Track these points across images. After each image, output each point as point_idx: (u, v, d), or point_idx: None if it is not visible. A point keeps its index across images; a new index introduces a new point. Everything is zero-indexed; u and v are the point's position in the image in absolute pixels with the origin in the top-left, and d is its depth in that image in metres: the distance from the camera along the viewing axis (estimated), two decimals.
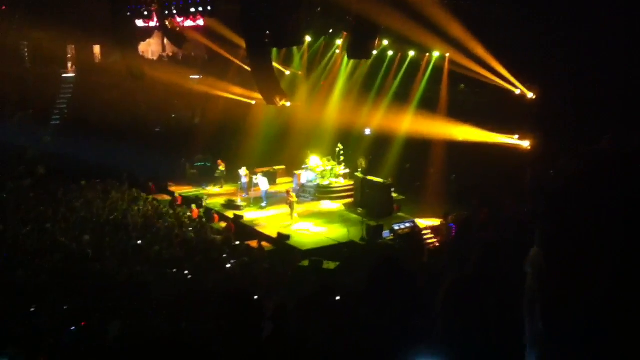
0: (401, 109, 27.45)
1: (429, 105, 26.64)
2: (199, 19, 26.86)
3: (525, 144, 23.65)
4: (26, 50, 34.31)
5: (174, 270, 17.37)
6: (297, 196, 26.28)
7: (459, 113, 24.67)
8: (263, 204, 26.68)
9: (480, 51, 23.55)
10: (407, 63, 28.18)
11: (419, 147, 25.83)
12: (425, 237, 22.07)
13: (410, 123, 26.04)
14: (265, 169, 28.79)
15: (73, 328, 12.17)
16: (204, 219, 24.48)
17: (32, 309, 13.65)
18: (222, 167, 29.24)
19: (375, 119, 28.26)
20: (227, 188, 29.23)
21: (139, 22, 28.36)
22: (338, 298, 13.66)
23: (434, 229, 22.52)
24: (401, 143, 26.59)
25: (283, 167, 30.69)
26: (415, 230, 22.25)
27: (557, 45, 21.10)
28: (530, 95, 23.86)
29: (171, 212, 24.55)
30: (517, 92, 23.97)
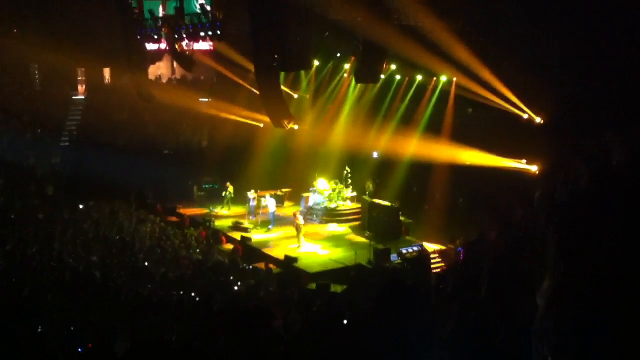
0: (409, 132, 27.54)
1: (436, 129, 26.71)
2: (208, 43, 27.16)
3: (534, 168, 23.62)
4: (37, 72, 34.68)
5: (180, 292, 17.33)
6: (305, 219, 26.28)
7: (467, 137, 24.69)
8: (270, 227, 26.68)
9: (488, 76, 23.66)
10: (414, 87, 28.33)
11: (426, 170, 25.85)
12: (433, 261, 21.96)
13: (418, 147, 26.09)
14: (273, 192, 28.84)
15: (80, 350, 12.14)
16: (211, 241, 24.48)
17: (39, 329, 13.65)
18: (231, 189, 29.35)
19: (383, 143, 28.34)
20: (235, 210, 29.29)
21: (149, 46, 28.65)
22: (345, 322, 13.61)
23: (441, 253, 22.41)
24: (408, 166, 26.62)
25: (290, 189, 30.74)
26: (423, 254, 22.13)
27: (565, 70, 21.17)
28: (538, 120, 23.89)
29: (179, 233, 24.55)
30: (525, 117, 24.01)
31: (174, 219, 27.76)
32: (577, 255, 2.24)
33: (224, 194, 29.58)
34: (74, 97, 34.43)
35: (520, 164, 24.02)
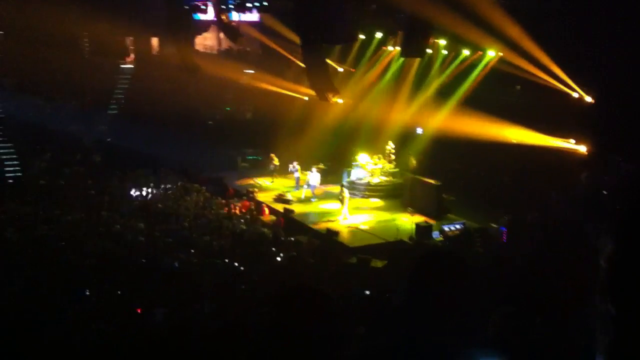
0: (453, 109, 27.18)
1: (482, 106, 26.26)
2: (255, 14, 27.16)
3: (582, 148, 23.11)
4: (86, 41, 35.21)
5: (225, 260, 17.62)
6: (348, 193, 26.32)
7: (514, 115, 24.23)
8: (313, 199, 26.83)
9: (537, 52, 23.09)
10: (460, 62, 27.85)
11: (471, 148, 25.47)
12: (476, 239, 21.78)
13: (462, 123, 25.71)
14: (317, 165, 28.91)
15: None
16: (254, 212, 24.75)
17: (87, 292, 14.09)
18: (276, 161, 29.54)
19: (427, 119, 28.05)
20: (278, 182, 29.51)
21: (196, 16, 28.78)
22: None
23: (484, 232, 22.22)
24: (453, 143, 26.28)
25: (333, 163, 30.75)
26: (466, 232, 21.99)
27: (617, 48, 20.54)
28: (588, 99, 23.30)
29: (222, 203, 24.87)
30: (575, 95, 23.43)
31: (218, 189, 28.08)
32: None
33: (271, 166, 29.77)
34: (121, 66, 34.88)
35: (568, 144, 23.52)
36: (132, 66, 35.06)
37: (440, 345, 3.14)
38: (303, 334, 2.87)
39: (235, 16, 28.54)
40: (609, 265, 2.08)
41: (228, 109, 35.20)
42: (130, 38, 35.63)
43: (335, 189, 26.37)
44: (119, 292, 14.20)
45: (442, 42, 27.09)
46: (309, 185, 27.32)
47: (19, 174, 27.06)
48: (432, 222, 22.93)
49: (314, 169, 27.57)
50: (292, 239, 21.38)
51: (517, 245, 17.34)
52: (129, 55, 35.90)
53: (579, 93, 23.30)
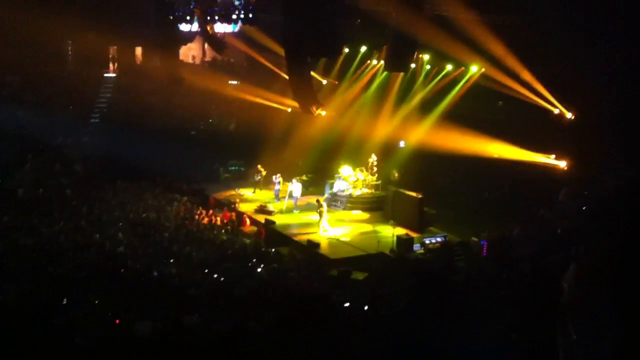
0: (436, 123, 27.39)
1: (464, 121, 26.50)
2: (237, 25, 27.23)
3: (562, 164, 23.38)
4: (70, 50, 35.05)
5: (205, 271, 17.55)
6: (329, 205, 26.36)
7: (495, 130, 24.49)
8: (295, 211, 26.83)
9: (519, 69, 23.41)
10: (443, 77, 28.12)
11: (453, 162, 25.69)
12: (456, 253, 21.90)
13: (445, 138, 25.91)
14: (298, 177, 28.93)
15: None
16: (235, 223, 24.68)
17: (64, 302, 13.94)
18: (263, 172, 29.50)
19: (410, 132, 28.22)
20: (260, 193, 29.48)
21: (181, 27, 28.77)
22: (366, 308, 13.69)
23: (464, 246, 22.33)
24: (435, 157, 26.47)
25: (315, 175, 30.80)
26: (446, 246, 22.09)
27: (598, 66, 20.88)
28: (569, 115, 23.61)
29: (203, 214, 24.78)
30: (556, 111, 23.73)
31: (200, 200, 27.99)
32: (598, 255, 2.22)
33: (257, 177, 29.72)
34: (105, 75, 34.75)
35: (549, 159, 23.79)
36: (114, 75, 34.90)
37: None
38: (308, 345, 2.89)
39: (219, 27, 28.56)
40: (569, 286, 2.14)
41: (210, 120, 35.15)
42: (114, 48, 35.48)
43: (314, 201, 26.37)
44: (97, 303, 14.07)
45: (426, 57, 27.37)
46: (291, 197, 27.31)
47: None
48: (413, 235, 23.01)
49: (294, 181, 27.58)
50: (273, 250, 21.36)
51: (500, 260, 17.46)
52: (113, 65, 35.77)
53: (559, 109, 23.62)
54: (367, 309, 12.55)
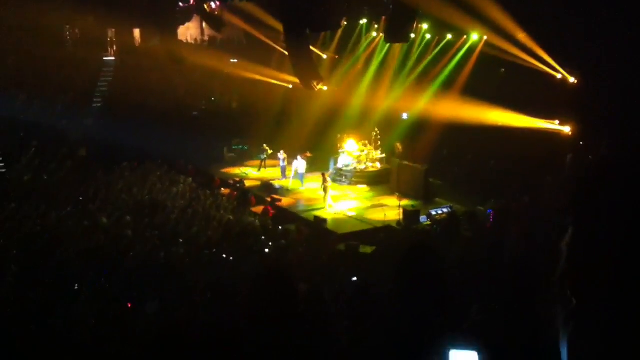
0: (439, 93, 27.23)
1: (466, 90, 26.33)
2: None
3: (566, 129, 23.23)
4: (68, 33, 34.88)
5: (213, 251, 17.62)
6: (334, 180, 26.37)
7: (498, 97, 24.31)
8: (301, 187, 26.85)
9: (521, 35, 23.16)
10: (444, 46, 27.87)
11: (457, 132, 25.55)
12: (462, 223, 21.89)
13: (448, 108, 25.76)
14: (302, 153, 28.91)
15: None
16: (241, 202, 24.71)
17: (76, 287, 14.05)
18: (269, 151, 29.49)
19: (412, 104, 28.07)
20: (264, 171, 29.49)
21: (178, 6, 28.55)
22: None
23: (471, 215, 22.32)
24: (439, 128, 26.35)
25: (320, 150, 30.77)
26: (453, 216, 22.07)
27: (600, 29, 20.61)
28: (572, 80, 23.39)
29: (209, 194, 24.82)
30: (559, 77, 23.52)
31: (205, 180, 28.04)
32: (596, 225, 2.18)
33: (263, 155, 29.71)
34: (104, 59, 34.62)
35: (553, 125, 23.63)
36: (114, 58, 34.76)
37: (422, 334, 3.17)
38: (276, 321, 2.88)
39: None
40: (568, 250, 2.10)
41: (213, 99, 35.05)
42: (112, 30, 35.29)
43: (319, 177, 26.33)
44: (107, 286, 14.17)
45: (426, 26, 27.11)
46: (297, 174, 27.29)
47: (3, 170, 26.85)
48: (416, 203, 22.99)
49: (299, 157, 27.55)
50: (281, 228, 21.40)
51: (504, 232, 17.43)
52: (112, 48, 35.61)
53: (562, 74, 23.40)
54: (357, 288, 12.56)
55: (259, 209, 24.61)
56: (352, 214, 23.80)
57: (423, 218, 22.23)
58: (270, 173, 29.17)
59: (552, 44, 22.76)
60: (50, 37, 32.82)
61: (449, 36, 27.05)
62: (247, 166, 30.24)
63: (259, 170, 29.66)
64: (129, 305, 12.99)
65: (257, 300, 3.02)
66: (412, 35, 25.51)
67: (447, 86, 27.43)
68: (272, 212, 23.84)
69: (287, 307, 3.17)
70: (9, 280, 14.17)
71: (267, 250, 18.33)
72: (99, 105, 32.45)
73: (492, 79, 26.04)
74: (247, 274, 14.92)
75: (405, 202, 23.44)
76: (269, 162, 29.76)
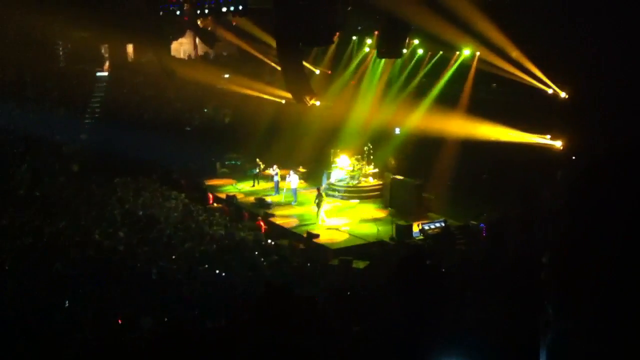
0: (431, 108, 27.34)
1: (459, 105, 26.46)
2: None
3: (558, 144, 23.36)
4: (61, 49, 34.91)
5: (205, 266, 17.57)
6: (327, 195, 26.37)
7: (491, 112, 24.44)
8: (293, 202, 26.83)
9: (512, 50, 23.34)
10: (436, 62, 28.02)
11: (449, 146, 25.66)
12: (456, 237, 21.94)
13: (441, 122, 25.86)
14: (295, 168, 28.94)
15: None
16: (234, 217, 24.68)
17: (67, 304, 13.96)
18: (262, 166, 29.55)
19: (405, 118, 28.16)
20: (257, 186, 29.50)
21: (171, 22, 28.67)
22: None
23: (464, 230, 22.38)
24: (431, 142, 26.44)
25: (312, 165, 30.83)
26: (446, 231, 22.13)
27: (590, 44, 20.81)
28: (562, 94, 23.56)
29: (202, 209, 24.78)
30: (550, 91, 23.69)
31: (198, 194, 28.00)
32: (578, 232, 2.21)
33: (256, 170, 29.77)
34: (97, 74, 34.64)
35: (545, 140, 23.76)
36: (107, 74, 34.78)
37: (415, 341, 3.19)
38: (282, 336, 2.89)
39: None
40: (550, 262, 2.12)
41: (205, 110, 35.07)
42: (105, 46, 35.34)
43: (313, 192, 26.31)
44: (101, 301, 14.09)
45: (418, 41, 27.27)
46: (290, 189, 27.28)
47: None
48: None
49: (291, 172, 27.55)
50: (273, 242, 21.38)
51: (499, 243, 17.49)
52: (105, 63, 35.63)
53: (553, 89, 23.56)
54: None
55: (252, 224, 24.58)
56: (345, 228, 23.79)
57: (416, 233, 22.25)
58: (263, 188, 29.16)
59: (543, 59, 22.94)
60: (43, 51, 32.82)
61: (441, 52, 27.22)
62: (240, 181, 30.23)
63: (253, 185, 29.67)
64: (119, 322, 12.91)
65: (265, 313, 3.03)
66: (405, 51, 25.67)
67: (440, 101, 27.53)
68: (265, 227, 23.81)
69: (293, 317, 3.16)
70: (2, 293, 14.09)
71: (258, 264, 18.30)
72: (91, 121, 32.42)
73: (484, 94, 26.21)
74: (243, 290, 14.91)
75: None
76: (262, 176, 29.77)
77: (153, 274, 16.49)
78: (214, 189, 29.20)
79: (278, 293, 3.02)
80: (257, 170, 29.72)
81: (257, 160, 29.75)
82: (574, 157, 21.94)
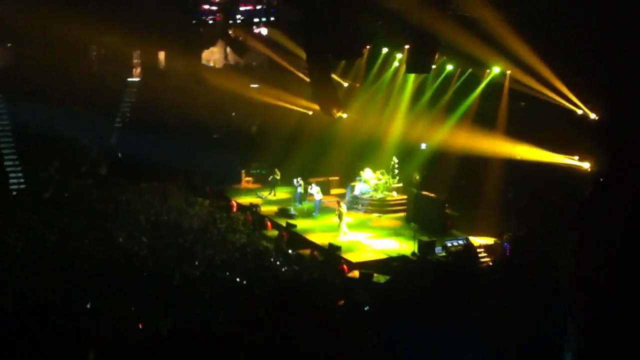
0: (458, 124, 27.22)
1: (487, 122, 26.28)
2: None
3: (586, 165, 23.10)
4: (94, 53, 35.46)
5: (226, 274, 17.66)
6: (350, 208, 26.35)
7: (519, 131, 24.27)
8: (315, 214, 26.84)
9: (543, 69, 23.16)
10: (466, 78, 27.91)
11: (475, 163, 25.48)
12: (479, 255, 21.76)
13: (467, 139, 25.72)
14: (320, 179, 28.96)
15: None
16: (257, 226, 24.77)
17: (89, 306, 14.10)
18: (278, 176, 29.69)
19: (432, 134, 28.07)
20: (280, 195, 29.58)
21: (204, 30, 29.00)
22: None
23: (487, 248, 22.19)
24: (457, 159, 26.30)
25: (337, 178, 30.84)
26: (469, 248, 21.95)
27: (622, 66, 20.58)
28: (592, 116, 23.32)
29: (225, 217, 24.91)
30: (579, 112, 23.46)
31: (222, 201, 28.16)
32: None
33: (269, 178, 29.95)
34: (128, 79, 35.11)
35: (572, 160, 23.51)
36: (138, 80, 35.25)
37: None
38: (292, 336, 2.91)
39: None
40: (570, 281, 2.12)
41: (234, 114, 35.30)
42: (138, 52, 35.83)
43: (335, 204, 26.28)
44: (122, 304, 14.21)
45: (448, 58, 27.20)
46: (313, 200, 27.27)
47: (23, 186, 27.20)
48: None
49: (313, 185, 27.55)
50: (295, 253, 21.41)
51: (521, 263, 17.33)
52: (136, 69, 36.12)
53: (583, 110, 23.34)
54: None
55: (274, 233, 24.64)
56: (367, 242, 23.72)
57: (438, 249, 22.10)
58: (285, 196, 29.25)
59: (574, 79, 22.74)
60: (77, 54, 33.34)
61: (471, 69, 27.11)
62: (264, 190, 30.36)
63: (274, 194, 29.78)
64: (140, 326, 13.00)
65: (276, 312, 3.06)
66: (434, 67, 25.61)
67: (467, 117, 27.40)
68: (287, 237, 23.85)
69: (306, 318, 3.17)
70: (24, 293, 14.27)
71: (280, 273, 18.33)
72: (120, 125, 32.85)
73: (513, 113, 26.02)
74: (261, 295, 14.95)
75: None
76: (280, 186, 29.92)
77: (175, 278, 16.60)
78: (238, 196, 29.33)
79: (296, 296, 3.03)
80: (274, 180, 29.84)
81: (275, 169, 29.90)
82: (601, 179, 21.67)
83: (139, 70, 36.14)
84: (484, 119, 26.72)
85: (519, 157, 24.44)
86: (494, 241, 22.20)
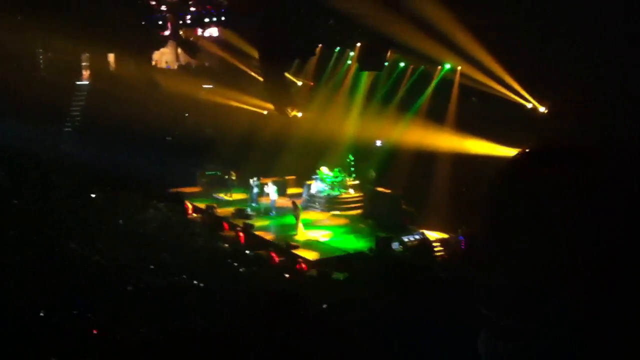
0: (412, 121, 27.50)
1: (440, 118, 26.63)
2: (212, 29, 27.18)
3: None
4: (41, 58, 34.66)
5: (183, 277, 17.45)
6: (307, 206, 26.35)
7: (470, 126, 24.64)
8: (272, 213, 26.76)
9: (493, 64, 23.58)
10: (418, 76, 28.23)
11: (429, 159, 25.79)
12: (435, 249, 22.02)
13: (422, 135, 26.01)
14: (276, 179, 28.90)
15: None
16: (213, 228, 24.55)
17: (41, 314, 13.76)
18: (233, 177, 29.48)
19: (387, 131, 28.29)
20: (237, 197, 29.38)
21: (156, 32, 28.67)
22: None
23: (443, 242, 22.47)
24: (412, 155, 26.56)
25: (293, 177, 30.80)
26: (425, 243, 22.20)
27: (570, 58, 21.08)
28: (542, 109, 23.82)
29: (181, 220, 24.64)
30: (529, 106, 23.94)
31: (177, 205, 27.82)
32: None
33: (229, 181, 29.70)
34: (77, 83, 34.43)
35: None
36: (87, 83, 34.59)
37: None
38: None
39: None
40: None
41: (187, 115, 34.93)
42: (86, 55, 35.16)
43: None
44: (75, 313, 13.91)
45: (400, 55, 27.45)
46: (267, 200, 27.20)
47: None
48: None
49: (270, 183, 27.48)
50: (252, 253, 21.30)
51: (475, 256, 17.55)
52: (86, 72, 35.45)
53: (532, 103, 23.83)
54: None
55: (231, 234, 24.48)
56: (324, 240, 23.75)
57: (395, 244, 22.27)
58: (242, 198, 29.06)
59: (522, 74, 23.19)
60: (23, 61, 32.55)
61: (423, 66, 27.43)
62: (220, 192, 30.10)
63: (231, 195, 29.56)
64: (95, 332, 12.75)
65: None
66: (386, 64, 25.85)
67: (421, 114, 27.71)
68: (244, 238, 23.72)
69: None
70: None
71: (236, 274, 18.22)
72: (70, 129, 32.18)
73: (464, 108, 26.42)
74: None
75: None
76: (237, 187, 29.70)
77: (129, 284, 16.32)
78: (193, 199, 29.03)
79: (292, 301, 3.02)
80: (230, 182, 29.62)
81: (231, 171, 29.70)
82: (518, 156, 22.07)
83: (88, 73, 35.47)
84: (436, 115, 27.07)
85: (472, 152, 24.82)
86: (450, 235, 22.48)
